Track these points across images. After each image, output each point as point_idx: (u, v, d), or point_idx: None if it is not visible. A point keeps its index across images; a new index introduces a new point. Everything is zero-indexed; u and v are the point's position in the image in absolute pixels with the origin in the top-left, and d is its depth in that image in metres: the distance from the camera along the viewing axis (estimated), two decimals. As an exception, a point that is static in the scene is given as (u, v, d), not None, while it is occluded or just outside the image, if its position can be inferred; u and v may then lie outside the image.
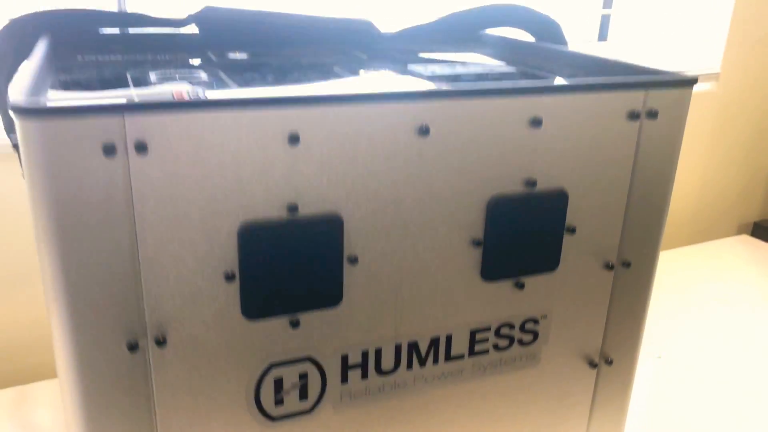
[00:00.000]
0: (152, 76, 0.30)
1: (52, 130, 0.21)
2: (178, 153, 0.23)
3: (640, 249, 0.32)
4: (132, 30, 0.39)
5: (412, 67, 0.34)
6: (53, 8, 0.37)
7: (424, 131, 0.26)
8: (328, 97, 0.24)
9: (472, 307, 0.29)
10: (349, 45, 0.42)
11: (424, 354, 0.29)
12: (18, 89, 0.22)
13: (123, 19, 0.38)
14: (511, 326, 0.31)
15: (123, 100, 0.22)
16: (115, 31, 0.38)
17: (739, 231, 0.85)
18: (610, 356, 0.33)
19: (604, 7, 0.74)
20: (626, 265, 0.32)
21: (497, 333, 0.30)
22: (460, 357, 0.30)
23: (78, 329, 0.23)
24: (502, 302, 0.30)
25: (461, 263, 0.28)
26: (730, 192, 0.82)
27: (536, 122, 0.27)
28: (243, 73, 0.32)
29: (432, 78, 0.31)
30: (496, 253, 0.29)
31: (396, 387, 0.28)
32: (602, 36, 0.77)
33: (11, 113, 0.21)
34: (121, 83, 0.29)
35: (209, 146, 0.23)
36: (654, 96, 0.29)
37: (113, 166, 0.22)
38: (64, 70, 0.32)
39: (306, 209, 0.25)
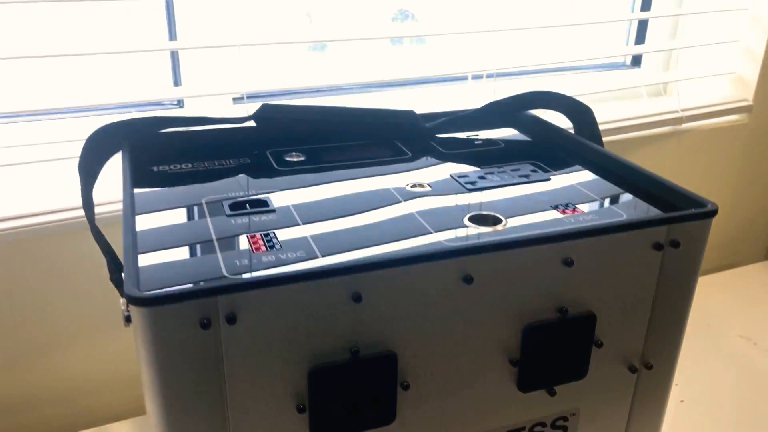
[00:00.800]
0: (226, 208, 0.34)
1: (159, 313, 0.25)
2: (261, 319, 0.27)
3: (661, 353, 0.35)
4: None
5: (455, 174, 0.37)
6: (129, 117, 0.41)
7: (468, 280, 0.29)
8: (388, 261, 0.28)
9: (510, 414, 0.33)
10: (395, 135, 0.45)
11: (466, 454, 0.33)
12: (129, 275, 0.26)
13: (188, 122, 0.41)
14: (544, 424, 0.35)
15: (218, 282, 0.26)
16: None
17: (762, 253, 0.87)
18: (632, 441, 0.37)
19: (636, 43, 0.76)
20: (648, 367, 0.35)
21: (531, 430, 0.34)
22: (498, 453, 0.34)
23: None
24: (536, 407, 0.34)
25: (500, 380, 0.32)
26: (759, 217, 0.84)
27: (568, 263, 0.31)
28: (303, 187, 0.36)
29: (474, 185, 0.35)
30: (531, 370, 0.32)
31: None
32: (635, 62, 0.78)
33: (124, 297, 0.25)
34: (200, 214, 0.33)
35: (286, 310, 0.27)
36: (676, 228, 0.32)
37: (208, 336, 0.26)
38: (141, 184, 0.36)
39: (366, 351, 0.29)
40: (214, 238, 0.31)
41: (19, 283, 0.49)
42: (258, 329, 0.27)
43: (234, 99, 0.58)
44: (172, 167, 0.39)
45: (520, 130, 0.47)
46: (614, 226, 0.31)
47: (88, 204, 0.38)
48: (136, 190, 0.36)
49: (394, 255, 0.28)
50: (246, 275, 0.27)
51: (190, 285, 0.26)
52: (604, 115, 0.67)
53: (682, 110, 0.72)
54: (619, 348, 0.34)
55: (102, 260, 0.37)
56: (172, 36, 0.54)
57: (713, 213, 0.33)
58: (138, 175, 0.38)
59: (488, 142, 0.44)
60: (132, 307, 0.25)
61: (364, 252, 0.29)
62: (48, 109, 0.50)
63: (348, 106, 0.44)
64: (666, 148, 0.73)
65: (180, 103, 0.58)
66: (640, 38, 0.76)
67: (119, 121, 0.40)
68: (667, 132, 0.72)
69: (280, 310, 0.27)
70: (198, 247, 0.30)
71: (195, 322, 0.25)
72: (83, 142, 0.39)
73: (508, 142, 0.44)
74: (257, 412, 0.28)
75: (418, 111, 0.46)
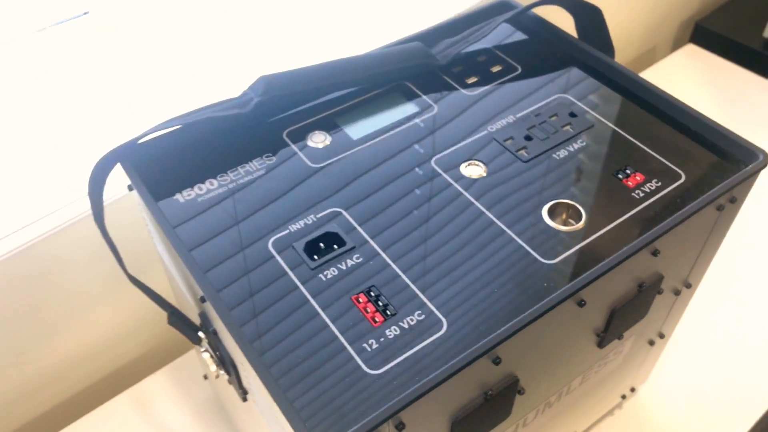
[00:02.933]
0: (301, 253, 0.31)
1: (343, 453, 0.25)
2: (421, 416, 0.27)
3: (697, 275, 0.40)
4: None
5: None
6: (125, 141, 0.34)
7: (581, 304, 0.30)
8: (525, 324, 0.28)
9: (587, 363, 0.37)
10: (406, 75, 0.41)
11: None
12: (287, 412, 0.25)
13: (189, 119, 0.35)
14: (606, 356, 0.39)
15: (386, 405, 0.25)
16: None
17: (682, 32, 0.91)
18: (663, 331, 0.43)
19: None
20: (688, 286, 0.40)
21: (599, 364, 0.39)
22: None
23: None
24: (607, 350, 0.38)
25: (586, 348, 0.35)
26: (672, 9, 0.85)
27: (655, 254, 0.32)
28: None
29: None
30: (611, 335, 0.36)
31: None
32: None
33: None
34: (277, 268, 0.31)
35: (436, 399, 0.27)
36: (737, 189, 0.34)
37: (381, 446, 0.26)
38: (184, 232, 0.32)
39: (495, 390, 0.30)
40: (321, 312, 0.29)
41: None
42: (416, 422, 0.27)
43: None
44: (198, 191, 0.34)
45: (521, 28, 0.44)
46: (701, 204, 0.32)
47: (117, 256, 0.34)
48: (196, 252, 0.32)
49: (529, 317, 0.28)
50: (397, 382, 0.27)
51: (358, 415, 0.26)
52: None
53: None
54: (671, 285, 0.38)
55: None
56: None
57: (766, 164, 0.34)
58: (173, 216, 0.33)
59: (505, 66, 0.42)
60: None
61: (474, 300, 0.29)
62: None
63: (354, 56, 0.39)
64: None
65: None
66: None
67: (119, 148, 0.34)
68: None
69: (438, 394, 0.27)
70: (315, 333, 0.28)
71: (368, 440, 0.26)
72: (90, 179, 0.33)
73: (524, 65, 0.42)
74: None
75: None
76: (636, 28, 0.83)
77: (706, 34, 0.87)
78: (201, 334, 0.34)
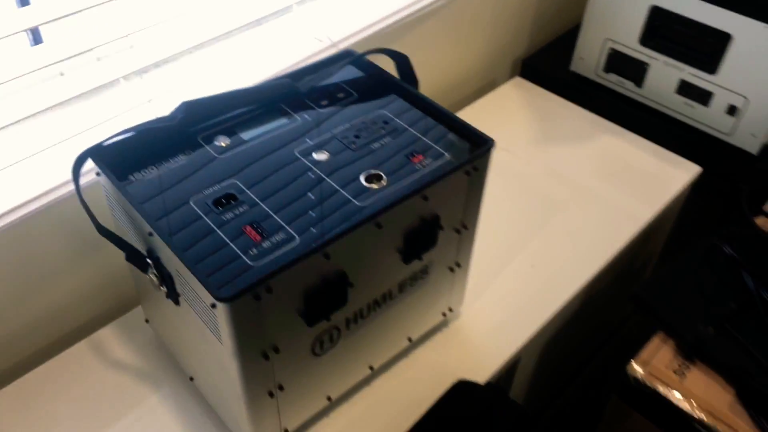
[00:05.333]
0: (211, 205, 0.52)
1: (236, 302, 0.45)
2: (281, 285, 0.48)
3: (470, 219, 0.63)
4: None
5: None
6: (94, 144, 0.54)
7: (379, 226, 0.52)
8: (344, 231, 0.49)
9: (398, 275, 0.59)
10: (281, 100, 0.62)
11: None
12: (206, 284, 0.45)
13: (138, 128, 0.55)
14: (417, 274, 0.61)
15: (258, 274, 0.46)
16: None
17: (514, 68, 1.18)
18: (460, 262, 0.66)
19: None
20: (465, 227, 0.63)
21: (412, 277, 0.61)
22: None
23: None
24: (412, 268, 0.60)
25: (394, 261, 0.57)
26: (503, 37, 1.12)
27: (425, 198, 0.55)
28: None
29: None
30: (410, 252, 0.58)
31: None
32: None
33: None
34: (196, 215, 0.51)
35: (292, 277, 0.48)
36: (478, 162, 0.57)
37: (259, 304, 0.47)
38: (138, 196, 0.52)
39: (330, 278, 0.52)
40: (223, 236, 0.50)
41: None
42: (279, 290, 0.48)
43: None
44: (143, 174, 0.54)
45: (358, 67, 0.67)
46: (449, 170, 0.55)
47: (89, 212, 0.53)
48: (144, 206, 0.51)
49: (346, 227, 0.50)
50: (265, 261, 0.48)
51: (243, 280, 0.46)
52: (391, 8, 0.86)
53: (450, -17, 0.93)
54: (450, 225, 0.61)
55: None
56: None
57: (493, 146, 0.58)
58: (131, 190, 0.53)
59: (347, 93, 0.64)
60: (218, 303, 0.45)
61: (320, 223, 0.51)
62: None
63: (246, 87, 0.60)
64: (444, 12, 0.95)
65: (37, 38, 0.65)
66: None
67: (91, 148, 0.53)
68: (439, 5, 0.93)
69: (291, 274, 0.48)
70: (220, 246, 0.49)
71: (251, 298, 0.46)
72: (72, 168, 0.52)
73: (360, 93, 0.64)
74: (278, 326, 0.50)
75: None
76: (477, 65, 1.09)
77: (530, 69, 1.14)
78: (149, 260, 0.54)
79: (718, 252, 0.80)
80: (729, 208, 0.97)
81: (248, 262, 0.48)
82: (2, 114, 0.61)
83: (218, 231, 0.50)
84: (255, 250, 0.49)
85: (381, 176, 0.55)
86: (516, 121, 1.03)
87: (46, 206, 0.63)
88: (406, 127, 0.60)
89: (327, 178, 0.55)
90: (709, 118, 0.99)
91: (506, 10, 1.07)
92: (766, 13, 0.86)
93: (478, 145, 0.58)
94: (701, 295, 0.76)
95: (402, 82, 0.64)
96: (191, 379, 0.65)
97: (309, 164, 0.56)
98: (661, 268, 0.79)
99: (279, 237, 0.50)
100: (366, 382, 0.68)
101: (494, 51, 1.10)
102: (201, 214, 0.51)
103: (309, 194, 0.53)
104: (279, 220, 0.51)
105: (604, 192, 0.92)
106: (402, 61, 0.66)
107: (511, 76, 1.16)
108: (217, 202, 0.52)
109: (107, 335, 0.71)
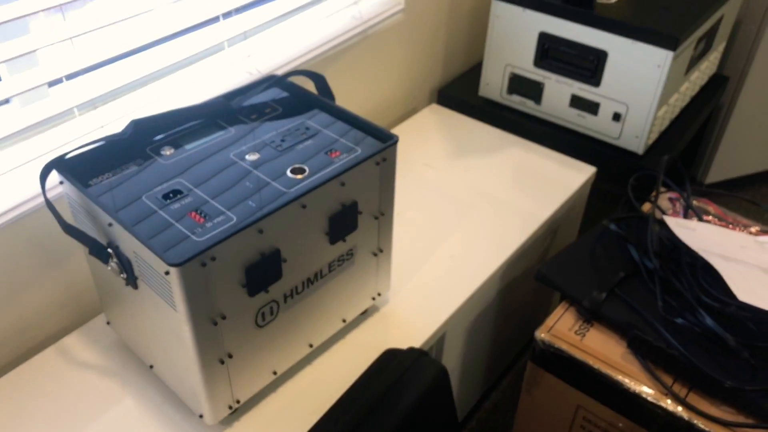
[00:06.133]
0: (161, 199, 0.61)
1: (187, 267, 0.55)
2: (222, 254, 0.58)
3: (386, 206, 0.74)
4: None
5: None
6: (66, 153, 0.63)
7: (303, 206, 0.63)
8: (274, 209, 0.60)
9: (327, 255, 0.69)
10: (218, 116, 0.73)
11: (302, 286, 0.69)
12: (160, 255, 0.55)
13: (95, 144, 0.65)
14: (343, 256, 0.72)
15: (203, 245, 0.56)
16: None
17: (431, 96, 1.32)
18: (381, 248, 0.77)
19: (327, -21, 1.06)
20: (382, 214, 0.74)
21: (338, 259, 0.71)
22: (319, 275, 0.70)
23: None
24: (338, 249, 0.70)
25: (321, 242, 0.68)
26: (419, 70, 1.26)
27: (342, 184, 0.66)
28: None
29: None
30: (334, 233, 0.68)
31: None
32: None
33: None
34: (149, 207, 0.61)
35: (232, 248, 0.58)
36: (386, 153, 0.69)
37: (204, 270, 0.57)
38: (98, 197, 0.61)
39: (266, 252, 0.62)
40: (172, 220, 0.59)
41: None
42: (223, 260, 0.58)
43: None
44: (100, 179, 0.64)
45: (283, 88, 0.78)
46: (361, 159, 0.66)
47: (55, 213, 0.62)
48: (102, 198, 0.61)
49: (275, 206, 0.60)
50: (208, 236, 0.57)
51: (190, 249, 0.56)
52: (314, 41, 0.99)
53: (364, 22, 1.07)
54: (368, 211, 0.71)
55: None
56: None
57: (397, 140, 0.70)
58: (91, 190, 0.62)
59: (273, 109, 0.75)
60: (170, 268, 0.55)
61: (254, 206, 0.61)
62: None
63: (187, 106, 0.71)
64: (361, 49, 1.08)
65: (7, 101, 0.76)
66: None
67: (54, 159, 0.63)
68: (358, 40, 1.07)
69: (231, 246, 0.58)
70: (169, 227, 0.58)
71: (198, 264, 0.56)
72: (39, 176, 0.62)
73: (284, 108, 0.76)
74: (224, 295, 0.60)
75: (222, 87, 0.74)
76: (398, 94, 1.22)
77: (445, 96, 1.28)
78: (109, 250, 0.63)
79: (608, 232, 0.93)
80: (622, 200, 1.11)
81: (194, 238, 0.57)
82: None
83: (167, 217, 0.60)
84: (199, 230, 0.58)
85: (304, 169, 0.66)
86: (434, 140, 1.16)
87: (15, 219, 0.71)
88: (324, 131, 0.71)
89: (258, 173, 0.65)
90: (599, 126, 1.14)
91: (419, 48, 1.22)
92: (632, 32, 1.03)
93: (384, 141, 0.70)
94: (595, 268, 0.88)
95: (320, 97, 0.76)
96: (151, 367, 0.72)
97: (242, 163, 0.66)
98: (561, 250, 0.92)
99: (219, 218, 0.60)
100: (308, 360, 0.77)
101: (412, 81, 1.24)
102: (152, 205, 0.61)
103: (244, 185, 0.63)
104: (219, 206, 0.61)
105: (512, 195, 1.05)
106: (318, 79, 0.78)
107: (429, 103, 1.30)
108: (165, 196, 0.62)
109: (72, 341, 0.79)
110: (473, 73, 1.31)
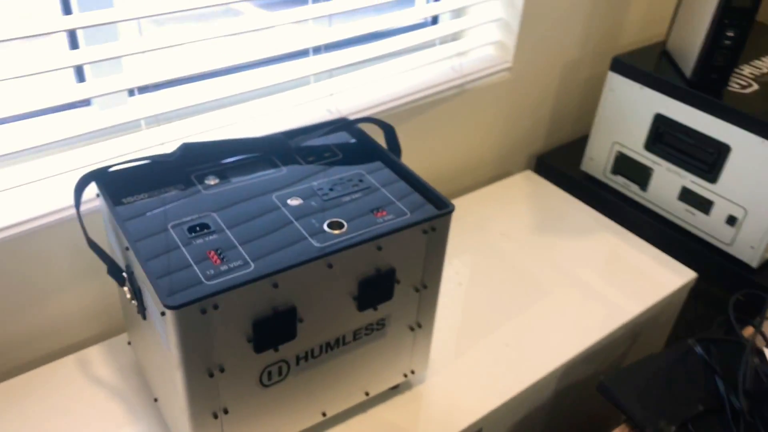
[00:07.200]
0: (186, 231, 0.58)
1: (182, 311, 0.50)
2: (228, 303, 0.53)
3: (431, 279, 0.66)
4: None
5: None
6: (100, 166, 0.62)
7: (330, 266, 0.57)
8: (290, 265, 0.54)
9: (354, 322, 0.63)
10: (273, 153, 0.69)
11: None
12: (159, 292, 0.50)
13: (140, 161, 0.63)
14: (372, 325, 0.65)
15: (206, 291, 0.51)
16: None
17: (528, 161, 1.23)
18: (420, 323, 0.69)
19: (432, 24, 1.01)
20: (425, 287, 0.66)
21: (367, 328, 0.65)
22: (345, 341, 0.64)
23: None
24: (367, 316, 0.64)
25: (348, 305, 0.61)
26: (519, 134, 1.18)
27: (379, 248, 0.59)
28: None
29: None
30: (364, 299, 0.62)
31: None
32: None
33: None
34: (171, 238, 0.57)
35: (240, 297, 0.53)
36: (436, 222, 0.62)
37: (205, 317, 0.52)
38: (125, 216, 0.58)
39: (279, 308, 0.56)
40: (188, 256, 0.55)
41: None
42: (227, 310, 0.53)
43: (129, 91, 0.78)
44: (137, 198, 0.61)
45: (351, 134, 0.73)
46: (404, 225, 0.60)
47: (82, 225, 0.60)
48: (128, 223, 0.58)
49: (296, 261, 0.55)
50: (217, 281, 0.53)
51: (192, 293, 0.51)
52: (406, 87, 0.94)
53: (463, 76, 1.01)
54: (408, 282, 0.64)
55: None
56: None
57: (452, 210, 0.62)
58: (120, 210, 0.60)
59: (332, 153, 0.70)
60: (166, 310, 0.50)
61: (272, 255, 0.56)
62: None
63: (242, 137, 0.68)
64: (456, 103, 1.02)
65: (87, 102, 0.76)
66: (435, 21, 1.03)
67: (95, 171, 0.61)
68: (454, 93, 1.01)
69: (239, 296, 0.53)
70: (183, 264, 0.55)
71: (198, 311, 0.51)
72: (75, 186, 0.60)
73: (344, 155, 0.71)
74: (225, 347, 0.55)
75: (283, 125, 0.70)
76: (493, 154, 1.15)
77: (543, 165, 1.19)
78: (124, 274, 0.60)
79: (693, 354, 0.80)
80: (720, 318, 0.96)
81: (203, 280, 0.53)
82: (35, 135, 0.70)
83: (185, 251, 0.56)
84: (212, 272, 0.54)
85: (342, 224, 0.60)
86: (520, 210, 1.08)
87: (63, 220, 0.70)
88: (379, 186, 0.66)
89: (294, 221, 0.60)
90: (709, 227, 1.00)
91: (522, 110, 1.14)
92: (763, 128, 0.90)
93: (440, 208, 0.63)
94: (670, 393, 0.76)
95: (386, 151, 0.70)
96: (155, 400, 0.69)
97: (282, 208, 0.62)
98: (633, 363, 0.80)
99: (236, 263, 0.55)
100: (320, 428, 0.70)
101: (510, 144, 1.16)
102: (175, 237, 0.57)
103: (275, 232, 0.59)
104: (241, 250, 0.56)
105: (593, 283, 0.93)
106: (388, 130, 0.72)
107: (524, 169, 1.22)
108: (191, 229, 0.58)
109: (94, 354, 0.77)
110: (578, 145, 1.21)
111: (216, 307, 0.52)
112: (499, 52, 1.06)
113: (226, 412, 0.59)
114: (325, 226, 0.60)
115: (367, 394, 0.71)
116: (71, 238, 0.73)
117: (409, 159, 1.01)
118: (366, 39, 0.95)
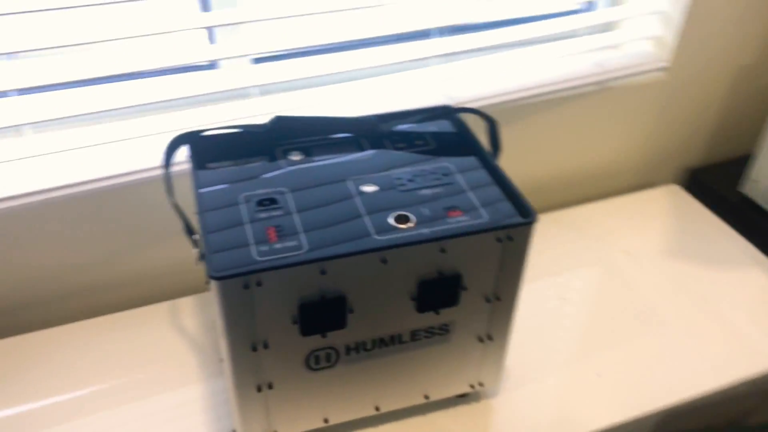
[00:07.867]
0: (254, 204, 0.58)
1: (225, 283, 0.51)
2: (271, 282, 0.52)
3: (505, 290, 0.61)
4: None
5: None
6: (193, 129, 0.64)
7: (384, 261, 0.54)
8: (339, 255, 0.52)
9: (412, 322, 0.60)
10: (363, 134, 0.67)
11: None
12: (209, 261, 0.51)
13: (233, 128, 0.64)
14: (433, 328, 0.61)
15: (252, 267, 0.51)
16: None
17: (676, 174, 1.10)
18: (491, 334, 0.64)
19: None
20: (497, 298, 0.61)
21: (427, 330, 0.61)
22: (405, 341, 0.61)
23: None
24: (427, 319, 0.60)
25: (406, 306, 0.58)
26: (670, 143, 1.05)
27: (443, 251, 0.55)
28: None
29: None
30: (424, 302, 0.58)
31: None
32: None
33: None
34: (240, 209, 0.57)
35: (287, 278, 0.52)
36: (514, 232, 0.56)
37: (248, 293, 0.52)
38: (204, 180, 0.60)
39: (328, 295, 0.54)
40: (248, 230, 0.55)
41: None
42: (271, 288, 0.52)
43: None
44: (221, 165, 0.63)
45: (452, 124, 0.69)
46: (473, 230, 0.55)
47: (169, 186, 0.62)
48: (202, 190, 0.60)
49: (346, 251, 0.53)
50: (265, 258, 0.52)
51: (237, 267, 0.51)
52: (542, 78, 0.87)
53: (606, 72, 0.91)
54: (478, 290, 0.60)
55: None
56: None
57: (534, 221, 0.56)
58: (202, 174, 0.61)
59: (425, 142, 0.67)
60: (210, 279, 0.51)
61: (328, 240, 0.54)
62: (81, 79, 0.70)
63: (333, 116, 0.66)
64: (595, 100, 0.93)
65: (214, 65, 0.79)
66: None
67: (187, 133, 0.63)
68: (592, 90, 0.92)
69: (283, 277, 0.52)
70: (241, 237, 0.55)
71: (241, 285, 0.51)
72: (167, 146, 0.63)
73: (438, 145, 0.67)
74: (269, 324, 0.54)
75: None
76: (634, 161, 1.04)
77: (694, 180, 1.05)
78: (195, 237, 0.62)
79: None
80: None
81: (254, 255, 0.53)
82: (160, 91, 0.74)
83: (247, 224, 0.56)
84: (266, 248, 0.54)
85: (409, 218, 0.57)
86: (653, 227, 0.96)
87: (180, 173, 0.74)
88: (462, 184, 0.61)
89: (362, 208, 0.58)
90: None
91: (678, 116, 1.01)
92: None
93: (524, 217, 0.57)
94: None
95: (481, 145, 0.65)
96: (221, 360, 0.71)
97: (353, 192, 0.60)
98: (756, 424, 0.68)
99: (291, 243, 0.54)
100: (372, 422, 0.68)
101: (658, 152, 1.04)
102: (242, 208, 0.58)
103: (338, 217, 0.57)
104: (300, 230, 0.55)
105: (727, 321, 0.81)
106: (490, 124, 0.67)
107: (671, 182, 1.08)
108: (260, 202, 0.58)
109: (186, 303, 0.81)
110: (741, 163, 1.06)
111: (259, 284, 0.52)
112: (654, 48, 0.95)
113: (270, 387, 0.59)
114: (391, 219, 0.57)
115: (426, 397, 0.67)
116: (179, 192, 0.76)
117: (524, 156, 0.94)
118: (497, 24, 0.89)
